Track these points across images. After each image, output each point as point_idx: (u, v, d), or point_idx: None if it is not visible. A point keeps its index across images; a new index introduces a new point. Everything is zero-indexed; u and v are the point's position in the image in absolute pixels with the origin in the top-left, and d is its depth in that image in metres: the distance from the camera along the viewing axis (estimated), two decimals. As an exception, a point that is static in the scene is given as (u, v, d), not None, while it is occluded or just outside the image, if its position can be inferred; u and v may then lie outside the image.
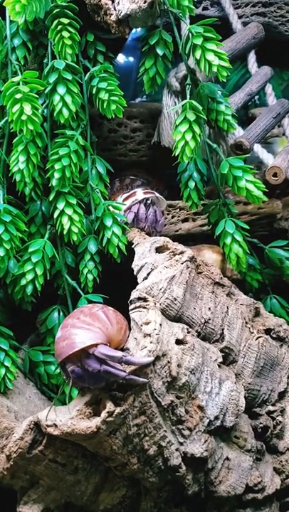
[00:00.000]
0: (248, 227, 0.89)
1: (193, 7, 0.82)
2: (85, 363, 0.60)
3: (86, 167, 0.87)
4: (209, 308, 0.73)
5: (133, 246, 0.83)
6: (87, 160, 0.88)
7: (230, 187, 0.88)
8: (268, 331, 0.75)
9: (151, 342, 0.60)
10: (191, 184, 0.90)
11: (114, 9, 0.79)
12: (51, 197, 0.82)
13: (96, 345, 0.60)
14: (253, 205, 1.12)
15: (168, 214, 1.06)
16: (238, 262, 0.90)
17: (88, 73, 0.83)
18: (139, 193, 0.91)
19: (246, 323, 0.75)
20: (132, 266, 0.77)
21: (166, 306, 0.68)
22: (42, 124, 0.82)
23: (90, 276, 0.86)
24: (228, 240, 0.89)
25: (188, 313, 0.70)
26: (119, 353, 0.59)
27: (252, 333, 0.74)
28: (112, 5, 0.79)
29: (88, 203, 0.89)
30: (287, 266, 0.97)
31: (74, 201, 0.82)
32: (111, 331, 0.64)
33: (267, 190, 0.91)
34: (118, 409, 0.58)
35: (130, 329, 0.67)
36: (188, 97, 0.85)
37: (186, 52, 0.82)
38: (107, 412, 0.57)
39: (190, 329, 0.67)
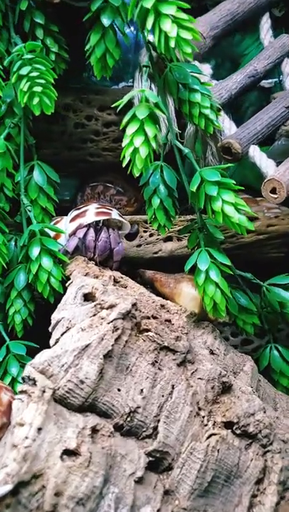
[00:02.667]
0: (228, 263, 0.66)
1: None
2: None
3: (19, 177, 0.69)
4: (142, 391, 0.52)
5: (67, 284, 0.64)
6: (20, 168, 0.69)
7: (200, 210, 0.65)
8: (229, 425, 0.53)
9: (14, 459, 0.41)
10: (155, 201, 0.67)
11: None
12: None
13: None
14: (260, 221, 0.88)
15: (144, 231, 0.85)
16: (215, 308, 0.68)
17: (11, 55, 0.63)
18: (90, 213, 0.70)
19: (199, 410, 0.54)
20: (51, 317, 0.58)
21: (68, 392, 0.48)
22: None
23: (18, 318, 0.69)
24: (201, 279, 0.66)
25: (106, 398, 0.50)
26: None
27: (205, 425, 0.53)
28: None
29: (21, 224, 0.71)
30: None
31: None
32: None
33: (256, 215, 0.67)
34: None
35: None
36: (142, 84, 0.63)
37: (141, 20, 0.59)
38: None
39: (100, 426, 0.47)
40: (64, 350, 0.49)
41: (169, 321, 0.63)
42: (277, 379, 0.77)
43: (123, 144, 0.58)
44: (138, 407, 0.50)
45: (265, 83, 0.85)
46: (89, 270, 0.65)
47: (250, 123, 0.70)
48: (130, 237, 0.84)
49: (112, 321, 0.51)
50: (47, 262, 0.64)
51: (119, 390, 0.50)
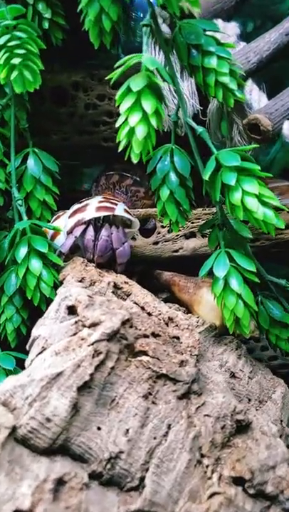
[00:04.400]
0: (252, 269, 0.53)
1: None
2: None
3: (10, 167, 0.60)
4: (127, 431, 0.41)
5: (58, 290, 0.55)
6: (11, 156, 0.60)
7: (217, 203, 0.52)
8: (239, 480, 0.41)
9: None
10: (164, 193, 0.56)
11: None
12: None
13: None
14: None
15: (162, 227, 0.73)
16: (237, 323, 0.56)
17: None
18: (91, 208, 0.60)
19: (202, 457, 0.42)
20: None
21: (31, 432, 0.39)
22: None
23: (10, 327, 0.61)
24: (219, 288, 0.54)
25: (82, 438, 0.40)
26: None
27: (208, 478, 0.41)
28: None
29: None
30: None
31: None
32: None
33: (287, 209, 0.53)
34: None
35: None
36: (154, 50, 0.51)
37: None
38: None
39: (69, 476, 0.37)
40: (30, 379, 0.40)
41: (178, 338, 0.52)
42: None
43: (117, 124, 0.48)
44: (121, 452, 0.40)
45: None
46: (85, 275, 0.55)
47: (286, 93, 0.56)
48: (147, 233, 0.73)
49: (93, 343, 0.42)
50: (36, 265, 0.55)
51: (99, 428, 0.40)
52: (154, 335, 0.49)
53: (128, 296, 0.57)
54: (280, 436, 0.53)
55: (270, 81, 0.63)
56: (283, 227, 0.49)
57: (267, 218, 0.48)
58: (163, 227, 0.71)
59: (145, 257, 0.72)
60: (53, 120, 0.73)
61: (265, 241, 0.73)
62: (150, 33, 0.55)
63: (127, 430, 0.41)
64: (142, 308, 0.55)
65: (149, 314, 0.54)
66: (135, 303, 0.56)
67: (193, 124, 0.52)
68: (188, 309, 0.68)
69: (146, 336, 0.47)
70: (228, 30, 0.58)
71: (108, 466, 0.40)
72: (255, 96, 0.56)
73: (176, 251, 0.72)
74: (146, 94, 0.46)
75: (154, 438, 0.41)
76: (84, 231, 0.58)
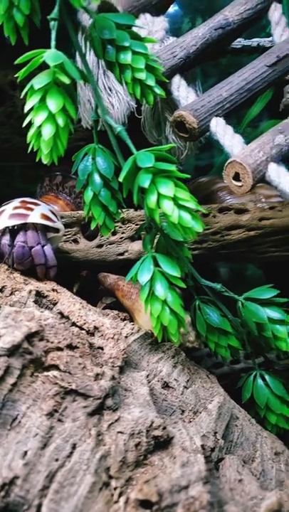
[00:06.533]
0: (177, 274, 0.49)
1: None
2: None
3: None
4: (25, 453, 0.39)
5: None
6: None
7: (137, 207, 0.49)
8: (146, 504, 0.38)
9: None
10: (88, 195, 0.53)
11: None
12: None
13: None
14: (250, 214, 0.70)
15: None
16: (166, 330, 0.53)
17: None
18: (4, 216, 0.57)
19: (110, 479, 0.39)
20: None
21: None
22: None
23: None
24: (144, 294, 0.51)
25: (-26, 462, 0.37)
26: None
27: (115, 502, 0.38)
28: None
29: None
30: (269, 336, 0.56)
31: None
32: None
33: (205, 211, 0.50)
34: None
35: None
36: (53, 43, 0.48)
37: None
38: None
39: None
40: None
41: (102, 348, 0.50)
42: (263, 415, 0.61)
43: (24, 125, 0.45)
44: (16, 477, 0.37)
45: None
46: (8, 283, 0.52)
47: (215, 89, 0.53)
48: (90, 236, 0.71)
49: (-10, 359, 0.39)
50: None
51: (-5, 451, 0.38)
52: (71, 347, 0.46)
53: (54, 304, 0.54)
54: (213, 450, 0.50)
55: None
56: (201, 231, 0.46)
57: (183, 221, 0.45)
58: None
59: (89, 261, 0.69)
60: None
61: (212, 242, 0.70)
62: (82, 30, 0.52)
63: (25, 452, 0.38)
64: (67, 317, 0.52)
65: (74, 324, 0.51)
66: (60, 312, 0.53)
67: (112, 123, 0.49)
68: (131, 316, 0.65)
69: (59, 349, 0.44)
70: (156, 25, 0.55)
71: (2, 493, 0.37)
72: (182, 92, 0.53)
73: (122, 254, 0.69)
74: (52, 93, 0.43)
75: (56, 460, 0.38)
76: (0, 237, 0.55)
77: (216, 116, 0.51)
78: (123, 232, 0.69)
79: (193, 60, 0.54)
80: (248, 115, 0.86)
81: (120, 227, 0.69)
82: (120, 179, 0.46)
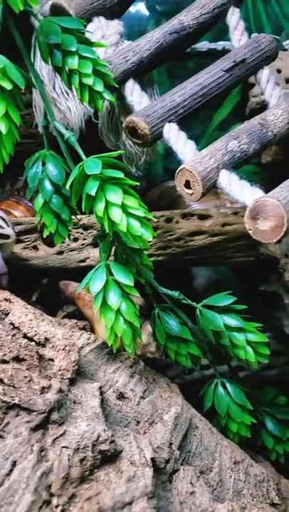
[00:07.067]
0: (129, 283, 0.48)
1: None
2: None
3: None
4: None
5: None
6: None
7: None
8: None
9: None
10: (38, 202, 0.52)
11: None
12: None
13: None
14: (213, 220, 0.70)
15: (69, 236, 0.69)
16: (118, 339, 0.52)
17: None
18: None
19: (51, 497, 0.38)
20: None
21: None
22: None
23: None
24: (97, 304, 0.50)
25: None
26: None
27: (56, 521, 0.38)
28: None
29: None
30: (227, 345, 0.55)
31: None
32: None
33: (154, 219, 0.49)
34: None
35: None
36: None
37: None
38: None
39: None
40: None
41: (52, 360, 0.48)
42: (224, 423, 0.60)
43: None
44: None
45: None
46: None
47: (169, 94, 0.52)
48: (51, 243, 0.69)
49: None
50: None
51: None
52: (18, 359, 0.45)
53: (7, 315, 0.52)
54: (167, 461, 0.49)
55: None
56: (151, 239, 0.45)
57: (132, 229, 0.44)
58: (69, 235, 0.68)
59: (49, 268, 0.68)
60: None
61: (176, 248, 0.69)
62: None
63: None
64: (18, 328, 0.50)
65: (25, 335, 0.50)
66: (12, 323, 0.51)
67: (61, 129, 0.48)
68: (91, 325, 0.64)
69: (4, 362, 0.43)
70: (110, 29, 0.54)
71: None
72: (136, 97, 0.52)
73: (83, 260, 0.68)
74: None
75: (-8, 478, 0.37)
76: None
77: (169, 122, 0.50)
78: (84, 239, 0.68)
79: (147, 65, 0.53)
80: (215, 119, 0.86)
81: (82, 234, 0.68)
82: (67, 186, 0.45)
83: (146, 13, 0.87)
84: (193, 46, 0.81)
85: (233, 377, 0.64)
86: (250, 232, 0.43)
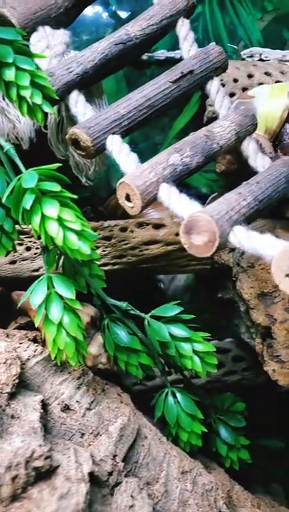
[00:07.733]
0: (70, 296, 0.48)
1: None
2: None
3: None
4: None
5: None
6: None
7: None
8: None
9: None
10: (-20, 215, 0.52)
11: None
12: None
13: None
14: (167, 229, 0.70)
15: (20, 245, 0.69)
16: (62, 352, 0.51)
17: None
18: None
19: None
20: None
21: None
22: None
23: None
24: (39, 317, 0.50)
25: None
26: None
27: None
28: None
29: None
30: (173, 354, 0.55)
31: None
32: None
33: (93, 233, 0.49)
34: None
35: None
36: None
37: None
38: None
39: None
40: None
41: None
42: (175, 433, 0.60)
43: None
44: None
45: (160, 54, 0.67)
46: None
47: (113, 106, 0.52)
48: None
49: None
50: None
51: None
52: None
53: None
54: (110, 474, 0.49)
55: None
56: (89, 253, 0.45)
57: (69, 243, 0.43)
58: (20, 244, 0.67)
59: (1, 278, 0.67)
60: None
61: (131, 257, 0.69)
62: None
63: None
64: None
65: None
66: None
67: (1, 141, 0.47)
68: (44, 337, 0.64)
69: None
70: (55, 38, 0.54)
71: None
72: (80, 109, 0.51)
73: (37, 270, 0.67)
74: None
75: None
76: None
77: (113, 134, 0.50)
78: (37, 248, 0.67)
79: (92, 76, 0.53)
80: (174, 126, 0.86)
81: (34, 243, 0.67)
82: (3, 200, 0.44)
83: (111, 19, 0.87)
84: (151, 54, 0.81)
85: (188, 384, 0.64)
86: (185, 246, 0.43)
